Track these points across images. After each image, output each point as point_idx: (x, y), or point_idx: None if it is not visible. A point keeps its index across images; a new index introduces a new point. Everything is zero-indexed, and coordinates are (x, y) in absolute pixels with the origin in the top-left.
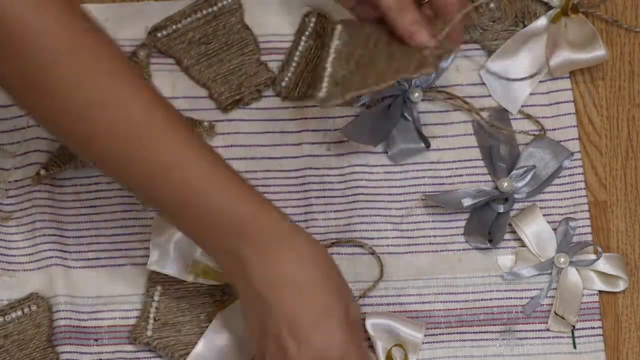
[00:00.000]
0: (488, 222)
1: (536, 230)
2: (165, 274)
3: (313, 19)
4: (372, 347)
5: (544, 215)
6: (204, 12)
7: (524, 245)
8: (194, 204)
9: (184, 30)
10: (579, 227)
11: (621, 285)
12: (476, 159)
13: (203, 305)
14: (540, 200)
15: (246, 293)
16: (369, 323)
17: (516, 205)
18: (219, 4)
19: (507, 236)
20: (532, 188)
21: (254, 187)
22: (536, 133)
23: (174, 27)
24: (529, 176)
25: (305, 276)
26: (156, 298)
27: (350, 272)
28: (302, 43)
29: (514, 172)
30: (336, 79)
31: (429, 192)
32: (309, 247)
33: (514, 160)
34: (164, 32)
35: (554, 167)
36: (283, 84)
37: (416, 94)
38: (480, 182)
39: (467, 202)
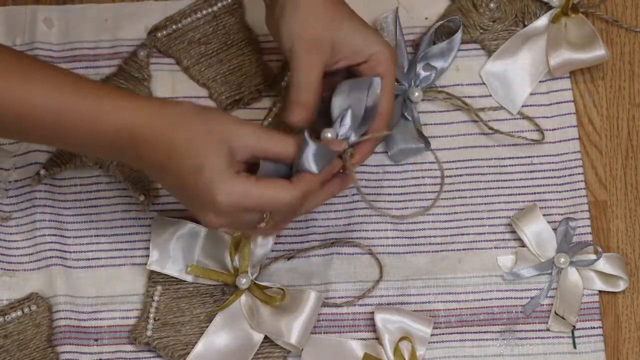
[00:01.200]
0: None
1: (536, 230)
2: (165, 274)
3: None
4: (378, 339)
5: (544, 215)
6: (204, 12)
7: (524, 245)
8: (74, 139)
9: (184, 30)
10: (579, 227)
11: (621, 285)
12: (476, 159)
13: (203, 305)
14: (540, 200)
15: (153, 171)
16: (378, 317)
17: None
18: (219, 4)
19: (507, 236)
20: (357, 129)
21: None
22: (534, 137)
23: (174, 27)
24: (347, 119)
25: (174, 146)
26: (156, 298)
27: (350, 272)
28: None
29: (336, 122)
30: None
31: (429, 192)
32: (174, 117)
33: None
34: (164, 32)
35: (366, 101)
36: (283, 84)
37: (416, 94)
38: (481, 181)
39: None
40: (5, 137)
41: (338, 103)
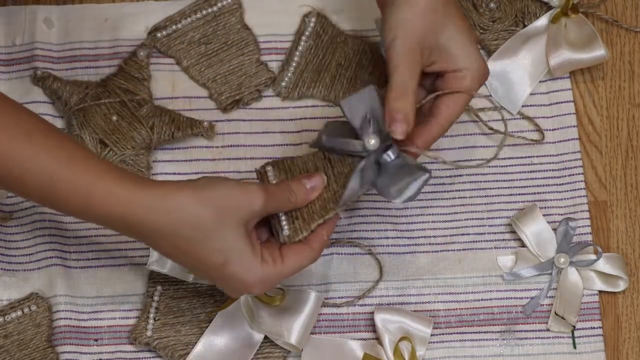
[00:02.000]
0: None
1: (536, 230)
2: (165, 274)
3: (313, 19)
4: (378, 339)
5: (544, 215)
6: (204, 12)
7: (524, 245)
8: (67, 211)
9: (184, 30)
10: (579, 227)
11: (621, 285)
12: (476, 159)
13: (203, 306)
14: (540, 200)
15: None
16: (378, 318)
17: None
18: (219, 4)
19: (507, 236)
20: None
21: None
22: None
23: (174, 27)
24: (374, 120)
25: (188, 244)
26: (156, 298)
27: (350, 272)
28: (302, 43)
29: (364, 131)
30: (292, 214)
31: (429, 192)
32: (182, 212)
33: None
34: (164, 32)
35: (376, 101)
36: (283, 84)
37: None
38: (481, 181)
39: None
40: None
41: (353, 115)
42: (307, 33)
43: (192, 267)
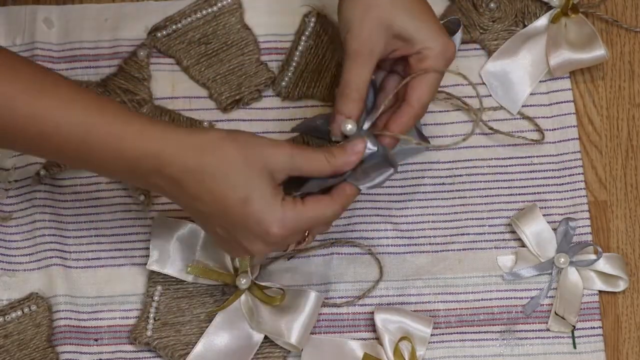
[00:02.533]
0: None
1: (536, 230)
2: (165, 274)
3: (313, 19)
4: (378, 339)
5: (543, 215)
6: (204, 12)
7: (524, 245)
8: (98, 161)
9: (184, 30)
10: (579, 227)
11: (621, 285)
12: (476, 159)
13: (203, 305)
14: (540, 200)
15: (185, 202)
16: (378, 318)
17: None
18: (219, 4)
19: (507, 236)
20: (367, 116)
21: (143, 116)
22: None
23: (174, 27)
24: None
25: (213, 181)
26: (156, 298)
27: (350, 272)
28: (302, 43)
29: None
30: None
31: (429, 192)
32: (209, 150)
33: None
34: (164, 32)
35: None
36: (283, 83)
37: None
38: (481, 181)
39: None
40: (27, 154)
41: None
42: (307, 33)
43: (211, 211)
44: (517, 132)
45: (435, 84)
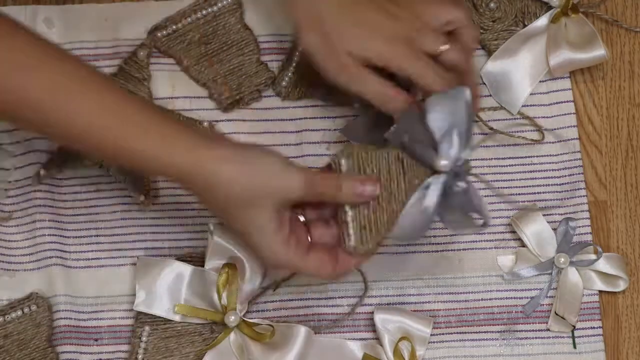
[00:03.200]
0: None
1: (536, 230)
2: (152, 314)
3: None
4: (378, 339)
5: (543, 215)
6: (204, 12)
7: (524, 245)
8: (129, 159)
9: (184, 30)
10: (579, 227)
11: (621, 285)
12: (476, 159)
13: (192, 345)
14: (540, 200)
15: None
16: (378, 318)
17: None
18: (219, 4)
19: (507, 236)
20: (464, 147)
21: (180, 125)
22: (534, 138)
23: (174, 27)
24: (455, 137)
25: (226, 203)
26: (144, 339)
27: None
28: None
29: (441, 146)
30: (361, 221)
31: None
32: (224, 174)
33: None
34: (164, 32)
35: (463, 113)
36: (283, 83)
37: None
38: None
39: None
40: (41, 135)
41: (436, 123)
42: None
43: (230, 225)
44: (517, 132)
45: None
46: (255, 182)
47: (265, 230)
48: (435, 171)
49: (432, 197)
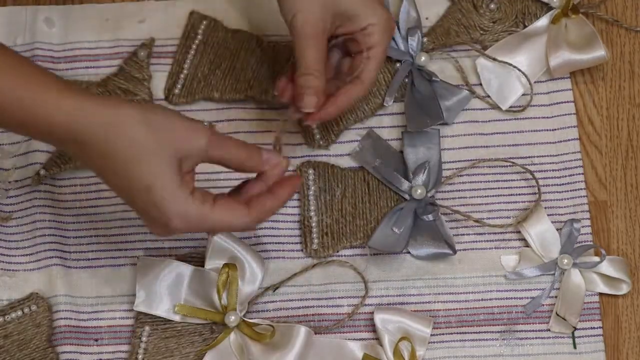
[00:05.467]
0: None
1: (540, 231)
2: (152, 314)
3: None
4: (378, 340)
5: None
6: (194, 46)
7: (527, 245)
8: (13, 122)
9: (191, 71)
10: (580, 227)
11: (624, 289)
12: (475, 160)
13: (192, 345)
14: (540, 201)
15: (95, 173)
16: (378, 318)
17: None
18: (200, 31)
19: (507, 236)
20: (434, 183)
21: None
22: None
23: (181, 76)
24: (428, 170)
25: (121, 159)
26: (144, 339)
27: (350, 272)
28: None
29: (415, 178)
30: (323, 228)
31: None
32: (121, 126)
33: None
34: (179, 87)
35: (437, 149)
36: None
37: (423, 58)
38: (481, 181)
39: (397, 228)
40: None
41: (411, 156)
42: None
43: (118, 192)
44: (518, 132)
45: (382, 58)
46: (160, 131)
47: (169, 184)
48: (401, 197)
49: (403, 221)
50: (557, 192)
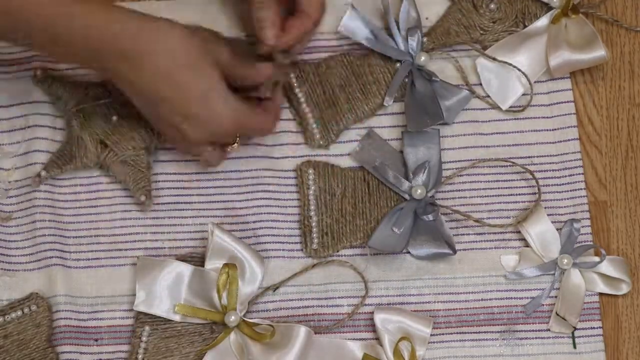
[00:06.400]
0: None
1: (540, 231)
2: (152, 315)
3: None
4: (378, 340)
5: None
6: None
7: (527, 245)
8: (62, 38)
9: None
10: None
11: (624, 289)
12: (475, 160)
13: (192, 345)
14: (540, 201)
15: (133, 95)
16: (378, 318)
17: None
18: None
19: (507, 236)
20: (434, 183)
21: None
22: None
23: None
24: (429, 170)
25: (177, 68)
26: (144, 339)
27: (350, 272)
28: None
29: (415, 178)
30: (323, 228)
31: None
32: (174, 40)
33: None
34: None
35: (437, 150)
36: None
37: (423, 58)
38: (481, 181)
39: (397, 228)
40: None
41: (411, 156)
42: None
43: (170, 96)
44: (518, 132)
45: None
46: (207, 42)
47: (221, 87)
48: (401, 197)
49: (403, 221)
50: (557, 192)
